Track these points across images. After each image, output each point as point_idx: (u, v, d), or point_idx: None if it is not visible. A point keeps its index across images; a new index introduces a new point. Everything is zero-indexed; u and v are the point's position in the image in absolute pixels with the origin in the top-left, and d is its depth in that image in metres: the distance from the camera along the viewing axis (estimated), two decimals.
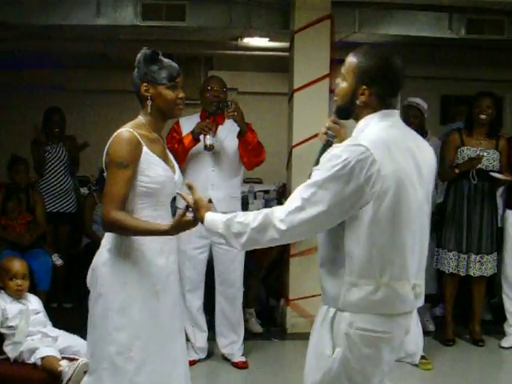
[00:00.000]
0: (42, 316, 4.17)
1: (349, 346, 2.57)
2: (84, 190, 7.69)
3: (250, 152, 5.13)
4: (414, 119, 6.42)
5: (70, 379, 3.72)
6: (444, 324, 5.97)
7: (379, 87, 2.65)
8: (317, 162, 2.74)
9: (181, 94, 3.16)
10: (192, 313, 5.18)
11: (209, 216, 2.71)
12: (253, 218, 2.59)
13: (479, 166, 5.67)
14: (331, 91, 6.37)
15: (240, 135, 5.07)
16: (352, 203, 2.50)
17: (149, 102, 3.13)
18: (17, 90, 10.70)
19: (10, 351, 3.94)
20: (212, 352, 5.43)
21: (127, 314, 3.05)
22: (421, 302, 2.70)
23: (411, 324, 2.73)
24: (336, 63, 6.63)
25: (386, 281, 2.55)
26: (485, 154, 5.69)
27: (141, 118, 3.18)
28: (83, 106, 10.55)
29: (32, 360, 3.87)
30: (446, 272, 5.82)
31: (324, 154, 2.64)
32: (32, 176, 6.65)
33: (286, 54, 6.63)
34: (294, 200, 2.55)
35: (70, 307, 6.57)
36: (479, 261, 5.71)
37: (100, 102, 10.83)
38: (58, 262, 6.24)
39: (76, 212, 7.00)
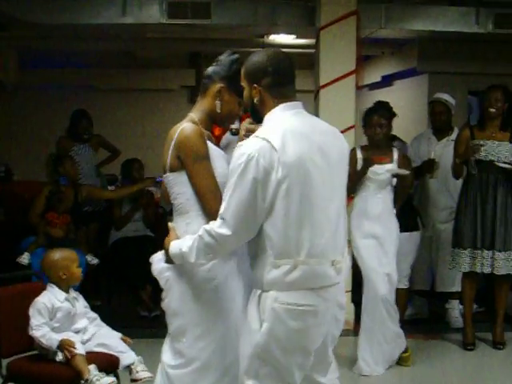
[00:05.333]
0: (86, 322, 4.06)
1: (275, 320, 2.73)
2: (111, 188, 7.74)
3: None
4: (440, 115, 6.35)
5: None
6: (463, 327, 5.84)
7: (266, 81, 2.84)
8: None
9: (240, 112, 3.24)
10: None
11: (172, 244, 2.95)
12: (200, 230, 2.82)
13: (490, 158, 5.53)
14: (357, 88, 6.36)
15: None
16: (264, 189, 2.68)
17: (218, 103, 3.14)
18: (46, 89, 10.82)
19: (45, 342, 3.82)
20: None
21: (185, 303, 3.04)
22: (342, 276, 2.83)
23: (340, 298, 2.88)
24: (362, 59, 6.62)
25: (303, 258, 2.71)
26: (483, 143, 5.51)
27: (192, 116, 3.15)
28: (111, 105, 10.62)
29: (57, 358, 3.77)
30: (463, 271, 5.70)
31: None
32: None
33: (312, 50, 6.62)
34: (222, 204, 2.77)
35: (98, 305, 6.59)
36: (491, 257, 5.54)
37: (127, 100, 10.87)
38: (94, 261, 6.29)
39: (103, 210, 7.06)
